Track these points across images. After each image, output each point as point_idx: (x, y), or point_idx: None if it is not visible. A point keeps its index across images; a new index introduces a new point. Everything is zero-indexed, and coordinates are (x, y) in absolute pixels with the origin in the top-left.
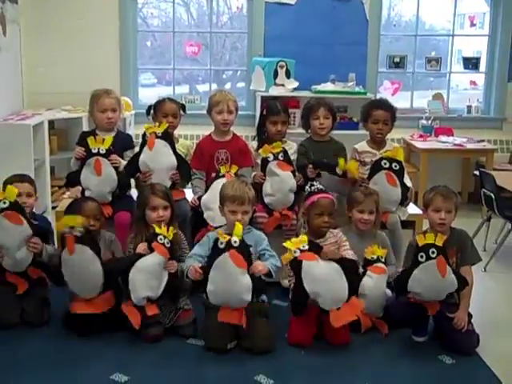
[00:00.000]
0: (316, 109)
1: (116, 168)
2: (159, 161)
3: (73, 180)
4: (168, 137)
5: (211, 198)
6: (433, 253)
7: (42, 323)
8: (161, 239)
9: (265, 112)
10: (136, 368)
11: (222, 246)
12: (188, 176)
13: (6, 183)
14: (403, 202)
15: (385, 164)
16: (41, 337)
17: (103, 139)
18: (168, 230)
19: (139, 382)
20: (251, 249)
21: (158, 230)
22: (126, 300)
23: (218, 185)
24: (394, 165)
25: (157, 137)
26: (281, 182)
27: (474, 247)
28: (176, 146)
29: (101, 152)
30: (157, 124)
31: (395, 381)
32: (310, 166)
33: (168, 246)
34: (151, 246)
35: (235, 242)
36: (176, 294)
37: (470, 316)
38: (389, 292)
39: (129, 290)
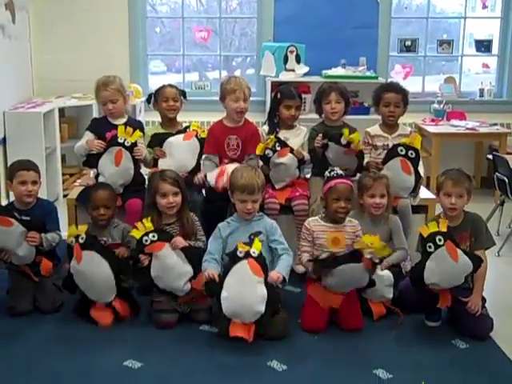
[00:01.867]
0: (327, 93)
1: (136, 161)
2: (183, 154)
3: (92, 161)
4: (202, 144)
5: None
6: (440, 240)
7: (54, 310)
8: (146, 240)
9: (279, 96)
10: (149, 354)
11: (240, 255)
12: None
13: (11, 170)
14: (414, 191)
15: (401, 151)
16: (53, 323)
17: (132, 131)
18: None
19: (152, 369)
20: (262, 236)
21: (138, 236)
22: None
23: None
24: (410, 152)
25: (196, 136)
26: (286, 169)
27: (489, 231)
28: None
29: (126, 144)
30: (202, 129)
31: (408, 366)
32: (319, 135)
33: (155, 238)
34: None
35: (254, 252)
36: (200, 260)
37: (483, 300)
38: (387, 272)
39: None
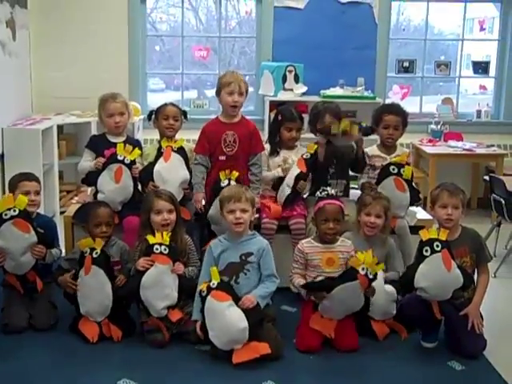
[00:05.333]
0: (322, 115)
1: (135, 179)
2: (173, 173)
3: (90, 179)
4: (183, 153)
5: (219, 214)
6: (437, 246)
7: (49, 327)
8: (157, 249)
9: (280, 117)
10: (143, 374)
11: (204, 294)
12: None
13: (12, 182)
14: (414, 203)
15: (393, 170)
16: (48, 341)
17: (131, 149)
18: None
19: None
20: (253, 257)
21: (151, 241)
22: (147, 315)
23: None
24: (402, 170)
25: (173, 151)
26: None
27: (486, 246)
28: None
29: (125, 162)
30: (174, 140)
31: None
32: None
33: (166, 252)
34: (150, 258)
35: (213, 284)
36: (192, 292)
37: (481, 319)
38: (391, 288)
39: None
